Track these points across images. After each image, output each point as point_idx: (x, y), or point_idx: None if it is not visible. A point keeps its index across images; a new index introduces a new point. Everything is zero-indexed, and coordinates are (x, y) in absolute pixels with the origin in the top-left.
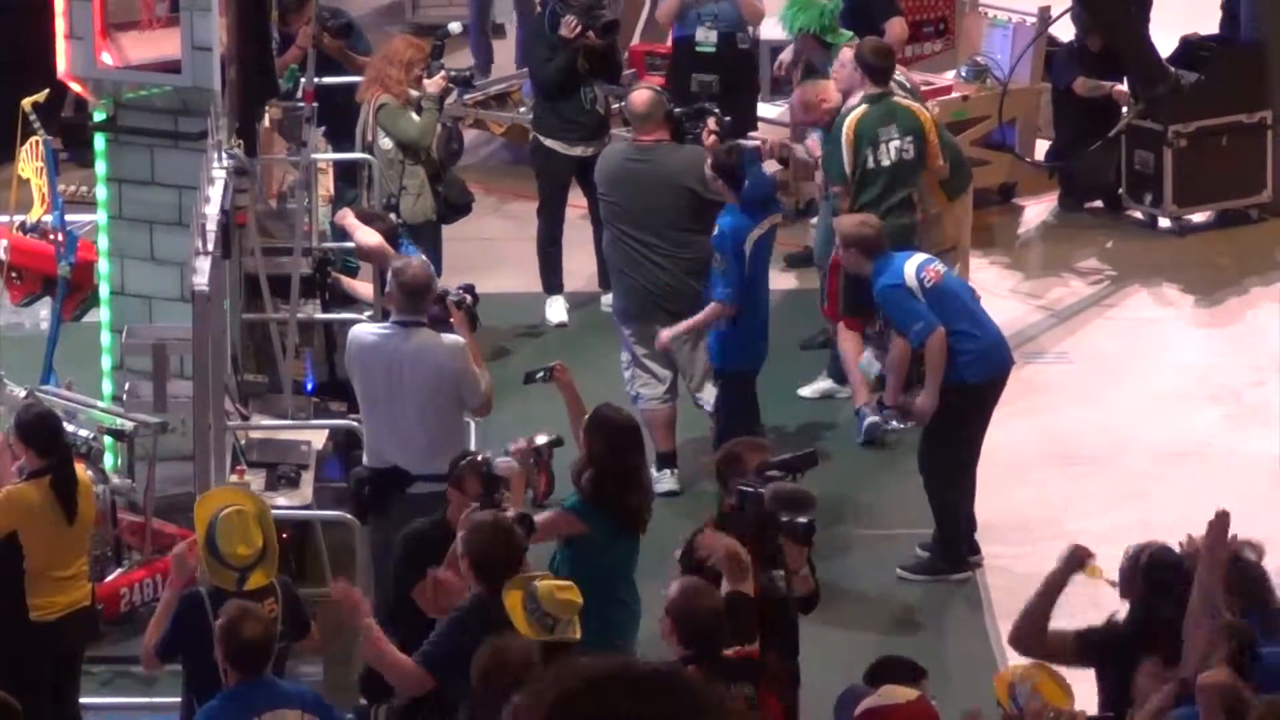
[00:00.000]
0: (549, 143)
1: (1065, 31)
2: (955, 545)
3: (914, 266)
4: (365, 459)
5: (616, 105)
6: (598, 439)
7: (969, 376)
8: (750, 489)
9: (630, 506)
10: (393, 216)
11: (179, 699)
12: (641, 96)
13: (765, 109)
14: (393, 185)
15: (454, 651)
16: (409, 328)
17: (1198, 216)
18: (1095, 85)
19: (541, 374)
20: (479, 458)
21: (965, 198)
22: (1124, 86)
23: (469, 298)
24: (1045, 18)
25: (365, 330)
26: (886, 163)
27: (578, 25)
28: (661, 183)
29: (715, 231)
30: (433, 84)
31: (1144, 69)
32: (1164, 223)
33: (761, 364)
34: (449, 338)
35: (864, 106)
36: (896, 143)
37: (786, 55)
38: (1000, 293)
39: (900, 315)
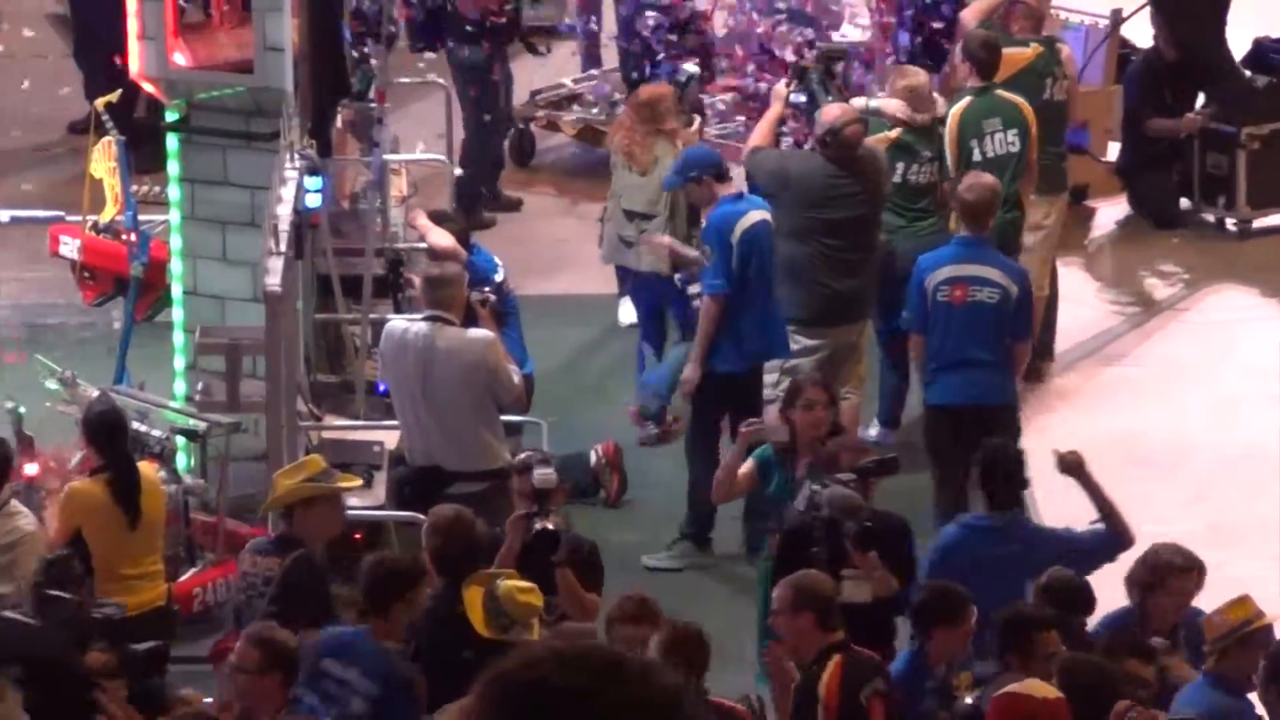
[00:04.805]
0: None
1: (1138, 35)
2: None
3: (939, 278)
4: (406, 457)
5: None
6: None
7: (930, 398)
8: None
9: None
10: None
11: None
12: (856, 131)
13: None
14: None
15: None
16: (439, 324)
17: (1265, 220)
18: (1168, 127)
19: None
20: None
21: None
22: (1194, 115)
23: (492, 296)
24: (1117, 20)
25: (397, 325)
26: (992, 154)
27: None
28: (861, 194)
29: (703, 225)
30: (688, 135)
31: (1219, 73)
32: (1229, 225)
33: (749, 366)
34: (479, 332)
35: (968, 99)
36: (1001, 135)
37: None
38: (1072, 295)
39: (910, 295)
